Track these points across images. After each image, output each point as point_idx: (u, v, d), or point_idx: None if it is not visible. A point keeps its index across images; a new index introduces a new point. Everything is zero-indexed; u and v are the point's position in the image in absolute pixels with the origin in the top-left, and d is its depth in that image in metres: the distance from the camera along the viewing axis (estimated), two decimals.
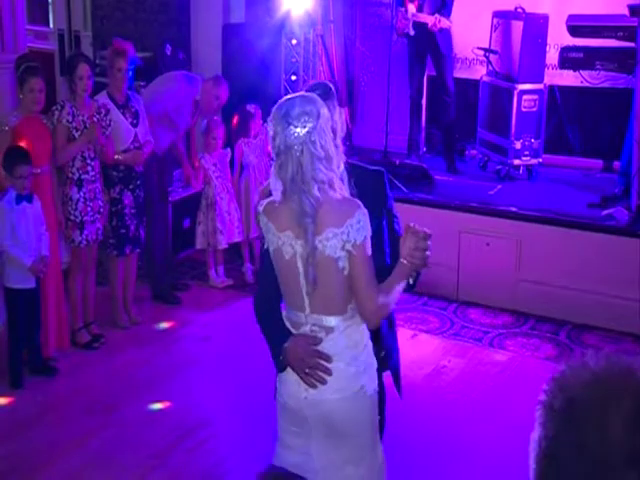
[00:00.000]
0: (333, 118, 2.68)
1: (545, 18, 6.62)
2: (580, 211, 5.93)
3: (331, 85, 3.05)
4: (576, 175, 6.83)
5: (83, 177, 5.06)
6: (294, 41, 6.87)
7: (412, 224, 2.56)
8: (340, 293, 2.53)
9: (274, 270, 2.62)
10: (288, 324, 2.65)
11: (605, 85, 6.66)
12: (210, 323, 5.69)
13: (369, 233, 2.49)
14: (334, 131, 2.70)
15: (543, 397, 1.00)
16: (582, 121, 7.03)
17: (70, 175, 5.06)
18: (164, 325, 5.67)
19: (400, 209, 6.27)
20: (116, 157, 5.26)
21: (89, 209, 5.10)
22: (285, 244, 2.52)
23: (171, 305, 5.93)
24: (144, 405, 4.62)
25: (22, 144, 4.70)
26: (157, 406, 4.60)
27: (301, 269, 2.51)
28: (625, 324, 5.45)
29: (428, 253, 2.55)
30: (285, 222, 2.51)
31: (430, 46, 6.84)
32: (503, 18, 6.87)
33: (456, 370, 5.06)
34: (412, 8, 6.75)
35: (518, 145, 6.63)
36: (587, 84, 6.72)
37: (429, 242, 2.54)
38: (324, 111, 2.50)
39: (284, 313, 2.69)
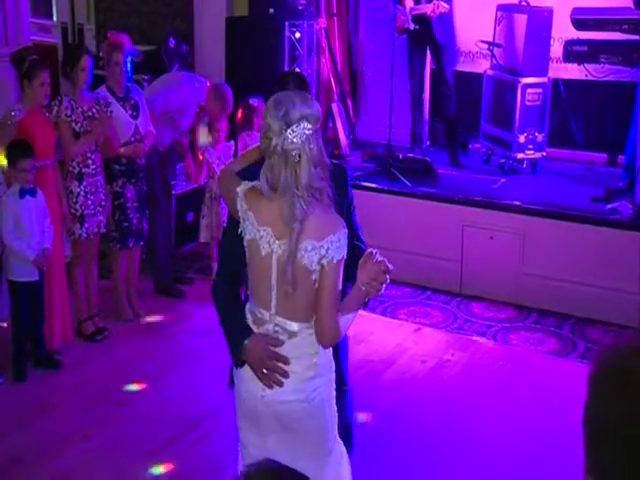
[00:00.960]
0: None
1: (549, 11, 6.59)
2: (584, 205, 5.92)
3: (305, 76, 3.02)
4: (580, 169, 6.81)
5: (84, 171, 5.06)
6: (297, 34, 6.84)
7: (374, 251, 2.52)
8: (308, 302, 2.50)
9: (236, 252, 2.57)
10: (250, 317, 2.62)
11: (609, 78, 6.64)
12: (213, 316, 5.62)
13: (345, 254, 2.47)
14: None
15: (594, 369, 1.05)
16: (586, 115, 7.00)
17: (70, 169, 5.06)
18: (167, 318, 5.66)
19: (403, 203, 6.33)
20: (117, 151, 5.25)
21: (90, 202, 5.10)
22: (263, 239, 2.48)
23: (174, 298, 5.93)
24: (147, 398, 4.62)
25: (27, 137, 4.69)
26: (160, 399, 4.60)
27: (275, 269, 2.48)
28: (629, 318, 5.43)
29: (384, 286, 2.54)
30: (267, 217, 2.47)
31: (429, 38, 6.83)
32: (507, 11, 6.84)
33: (459, 364, 5.06)
34: (409, 3, 6.76)
35: (522, 139, 6.61)
36: (591, 77, 6.70)
37: (387, 277, 2.51)
38: (320, 115, 2.47)
39: (247, 305, 2.66)
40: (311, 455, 2.61)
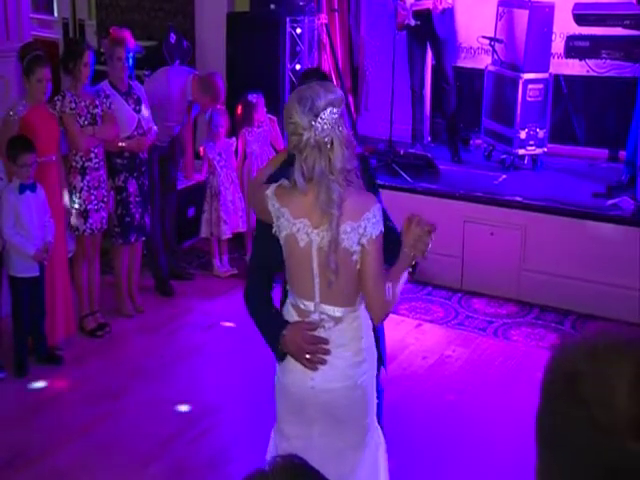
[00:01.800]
0: None
1: (551, 6, 6.56)
2: (585, 201, 5.90)
3: (325, 72, 3.04)
4: (581, 164, 6.79)
5: (86, 165, 5.06)
6: (298, 30, 6.83)
7: (415, 215, 2.56)
8: (351, 286, 2.54)
9: (269, 256, 2.61)
10: (293, 312, 2.63)
11: (611, 74, 6.62)
12: (214, 312, 5.68)
13: (383, 228, 2.50)
14: None
15: (544, 375, 1.00)
16: (588, 110, 6.99)
17: (74, 164, 5.05)
18: (168, 314, 5.66)
19: (405, 198, 6.32)
20: (120, 144, 5.24)
21: (93, 197, 5.09)
22: (300, 231, 2.50)
23: (165, 297, 5.89)
24: (148, 393, 4.62)
25: (29, 134, 4.69)
26: (161, 394, 4.60)
27: (315, 258, 2.50)
28: (630, 314, 5.42)
29: (430, 246, 2.57)
30: (302, 209, 2.50)
31: (429, 33, 6.82)
32: (508, 7, 6.82)
33: (460, 360, 5.05)
34: None
35: (523, 135, 6.59)
36: (593, 73, 6.68)
37: (432, 236, 2.55)
38: (343, 99, 2.50)
39: (288, 301, 2.68)
40: (353, 443, 2.65)
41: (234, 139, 6.30)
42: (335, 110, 2.43)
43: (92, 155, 5.07)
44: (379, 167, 6.65)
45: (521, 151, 6.66)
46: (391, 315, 5.73)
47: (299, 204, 2.50)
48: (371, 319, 2.65)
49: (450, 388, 4.70)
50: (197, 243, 6.65)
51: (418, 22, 6.74)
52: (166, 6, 7.41)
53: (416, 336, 5.37)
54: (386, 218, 2.96)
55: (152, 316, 5.60)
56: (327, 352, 2.56)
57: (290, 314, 2.65)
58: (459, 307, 5.81)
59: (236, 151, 6.33)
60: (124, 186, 5.34)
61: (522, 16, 6.59)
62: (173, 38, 6.49)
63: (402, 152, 6.75)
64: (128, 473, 3.91)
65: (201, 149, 6.27)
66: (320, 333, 2.58)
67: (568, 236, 5.70)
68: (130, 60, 5.33)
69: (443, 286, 6.06)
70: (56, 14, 9.02)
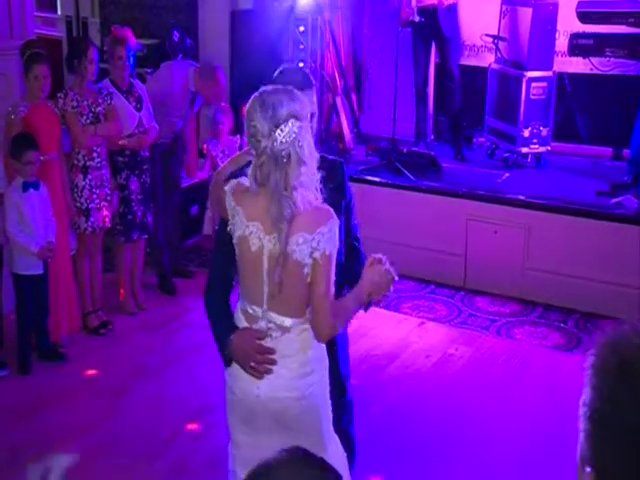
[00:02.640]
0: (312, 109, 2.60)
1: (554, 4, 6.54)
2: (589, 199, 5.88)
3: (308, 71, 2.98)
4: (585, 163, 6.78)
5: (88, 164, 5.06)
6: (302, 28, 6.81)
7: (381, 257, 2.50)
8: (301, 297, 2.46)
9: (227, 254, 2.54)
10: (242, 316, 2.58)
11: (615, 72, 6.60)
12: None
13: (337, 245, 2.43)
14: (311, 124, 2.61)
15: (594, 360, 1.04)
16: (591, 109, 6.97)
17: (75, 162, 5.06)
18: (170, 312, 5.65)
19: (407, 197, 6.31)
20: (121, 142, 5.24)
21: (95, 196, 5.09)
22: (252, 235, 2.43)
23: (167, 295, 5.88)
24: (150, 391, 4.62)
25: (31, 132, 4.69)
26: (163, 393, 4.60)
27: (265, 264, 2.44)
28: (634, 313, 5.40)
29: (388, 294, 2.53)
30: (256, 212, 2.42)
31: (434, 31, 6.79)
32: (512, 4, 6.80)
33: (463, 359, 5.04)
34: None
35: (526, 133, 6.57)
36: (597, 71, 6.66)
37: (391, 286, 2.51)
38: (308, 108, 2.41)
39: (239, 304, 2.62)
40: None
41: (238, 137, 6.28)
42: (297, 123, 2.34)
43: (94, 154, 5.07)
44: (382, 165, 6.65)
45: (524, 149, 6.64)
46: (394, 313, 5.77)
47: (253, 205, 2.44)
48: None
49: (453, 387, 4.69)
50: (200, 241, 6.64)
51: (423, 19, 6.71)
52: (169, 4, 7.40)
53: (419, 334, 5.36)
54: (353, 237, 2.92)
55: (154, 314, 5.60)
56: (273, 362, 2.50)
57: (239, 319, 2.60)
58: (462, 305, 5.80)
59: (240, 149, 6.31)
60: (126, 184, 5.34)
61: (526, 14, 6.57)
62: (176, 36, 6.47)
63: (405, 150, 6.74)
64: (129, 471, 3.90)
65: (204, 147, 6.27)
66: (267, 342, 2.51)
67: (572, 235, 5.68)
68: (131, 59, 5.33)
69: (446, 284, 6.05)
70: (59, 12, 9.01)
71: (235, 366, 2.59)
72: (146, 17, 6.99)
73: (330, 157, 2.93)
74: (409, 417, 4.38)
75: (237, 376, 2.59)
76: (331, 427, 2.69)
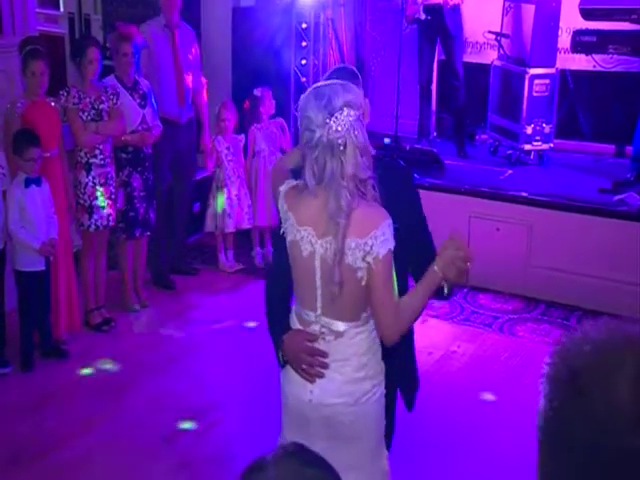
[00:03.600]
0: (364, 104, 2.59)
1: (557, 1, 6.50)
2: (592, 196, 5.87)
3: (356, 70, 2.95)
4: (588, 160, 6.75)
5: (91, 161, 5.05)
6: (304, 25, 6.80)
7: (457, 236, 2.45)
8: (355, 301, 2.41)
9: (286, 251, 2.49)
10: (296, 320, 2.55)
11: (618, 69, 6.58)
12: (219, 307, 5.68)
13: (392, 246, 2.35)
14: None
15: (547, 370, 0.99)
16: (594, 106, 6.95)
17: (79, 159, 5.06)
18: (173, 309, 5.65)
19: None
20: (123, 138, 5.24)
21: (98, 193, 5.08)
22: (304, 240, 2.39)
23: (166, 290, 5.86)
24: (154, 388, 4.62)
25: (31, 129, 4.69)
26: (166, 390, 4.60)
27: (318, 269, 2.39)
28: (636, 310, 5.39)
29: (466, 274, 2.45)
30: (308, 217, 2.39)
31: (440, 29, 6.78)
32: (515, 1, 6.77)
33: (466, 355, 5.03)
34: None
35: (529, 130, 6.56)
36: (600, 68, 6.65)
37: (469, 263, 2.42)
38: (362, 100, 2.39)
39: (294, 307, 2.58)
40: (354, 464, 2.45)
41: (243, 136, 6.27)
42: (352, 112, 2.31)
43: (97, 152, 5.06)
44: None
45: (527, 146, 6.63)
46: None
47: (306, 210, 2.39)
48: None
49: (455, 384, 4.68)
50: (203, 238, 6.64)
51: (429, 17, 6.70)
52: None
53: (421, 332, 5.32)
54: (424, 230, 2.81)
55: (157, 311, 5.60)
56: (325, 366, 2.45)
57: (294, 322, 2.56)
58: (465, 302, 5.79)
59: (245, 149, 6.30)
60: (128, 181, 5.34)
61: (528, 11, 6.55)
62: None
63: (408, 147, 6.72)
64: (132, 468, 3.91)
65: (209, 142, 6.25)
66: (320, 345, 2.47)
67: (574, 232, 5.67)
68: (136, 55, 5.33)
69: None
70: (62, 9, 9.00)
71: (289, 369, 2.56)
72: (149, 14, 6.96)
73: (399, 164, 2.88)
74: (411, 414, 4.37)
75: (290, 379, 2.56)
76: (382, 441, 2.63)
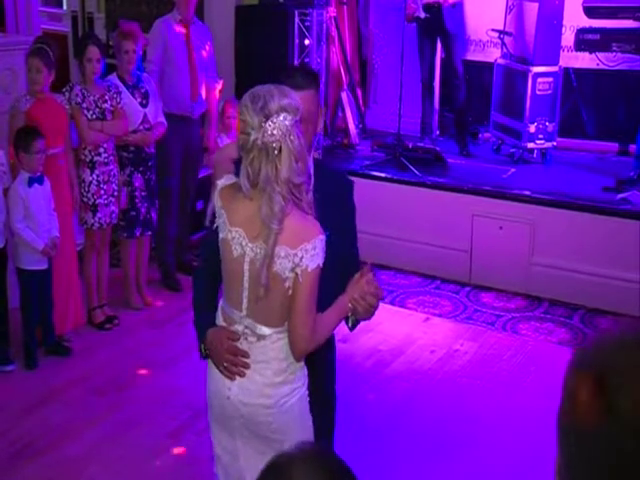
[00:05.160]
0: (317, 109, 2.59)
1: None
2: (595, 195, 5.87)
3: (315, 72, 2.90)
4: (591, 158, 6.76)
5: (95, 159, 5.06)
6: (307, 23, 6.80)
7: (369, 268, 2.45)
8: (280, 308, 2.39)
9: (218, 251, 2.47)
10: (221, 316, 2.54)
11: (621, 67, 6.58)
12: None
13: (321, 262, 2.33)
14: (315, 123, 2.59)
15: (568, 373, 0.98)
16: (597, 104, 6.94)
17: (82, 157, 5.07)
18: (175, 307, 5.65)
19: (413, 192, 6.29)
20: (125, 138, 5.25)
21: (102, 192, 5.10)
22: (235, 241, 2.37)
23: (171, 291, 5.84)
24: (157, 385, 4.63)
25: (35, 125, 4.69)
26: (169, 386, 4.60)
27: (247, 272, 2.37)
28: (638, 308, 5.39)
29: (374, 310, 2.47)
30: (240, 218, 2.37)
31: (439, 27, 6.79)
32: None
33: (469, 354, 5.03)
34: None
35: (532, 128, 6.55)
36: (603, 66, 6.64)
37: (378, 301, 2.45)
38: (300, 107, 2.35)
39: (220, 303, 2.57)
40: None
41: None
42: (288, 117, 2.28)
43: (101, 150, 5.07)
44: (387, 161, 6.64)
45: (530, 145, 6.63)
46: (399, 309, 5.76)
47: (240, 211, 2.37)
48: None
49: (458, 382, 4.69)
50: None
51: (428, 15, 6.71)
52: None
53: (424, 330, 5.35)
54: (351, 243, 2.76)
55: (160, 309, 5.60)
56: (247, 365, 2.45)
57: (219, 317, 2.55)
58: (467, 301, 5.79)
59: None
60: (130, 180, 5.34)
61: (532, 9, 6.54)
62: None
63: (410, 146, 6.72)
64: (137, 464, 3.92)
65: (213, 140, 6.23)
66: (242, 345, 2.46)
67: (577, 230, 5.67)
68: (138, 53, 5.33)
69: (451, 280, 6.05)
70: (65, 7, 9.01)
71: (210, 364, 2.57)
72: (152, 12, 6.98)
73: (338, 171, 2.84)
74: (414, 412, 4.38)
75: (210, 373, 2.58)
76: (309, 438, 2.58)
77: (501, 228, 5.87)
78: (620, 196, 5.79)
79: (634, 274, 5.42)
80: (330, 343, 2.83)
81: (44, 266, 4.70)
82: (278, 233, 2.30)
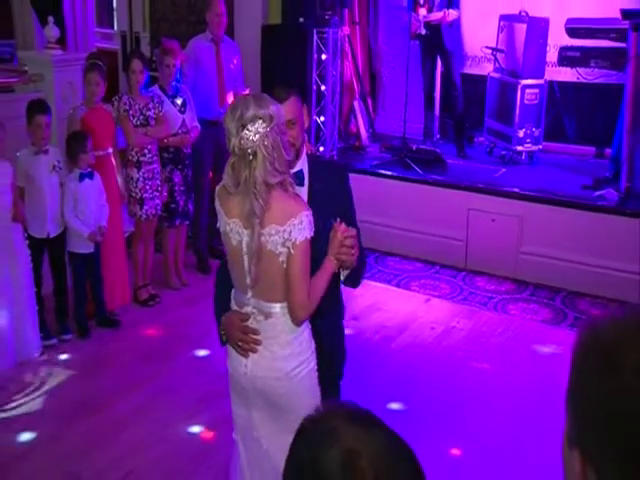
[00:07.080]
0: (301, 110, 2.55)
1: (546, 21, 6.44)
2: (575, 192, 5.79)
3: (291, 83, 2.87)
4: (572, 160, 6.67)
5: (141, 159, 5.08)
6: (324, 40, 6.74)
7: (338, 222, 2.40)
8: (280, 284, 2.35)
9: None
10: (234, 302, 2.52)
11: (599, 81, 6.48)
12: None
13: (309, 235, 2.30)
14: (301, 122, 2.54)
15: (578, 350, 0.91)
16: (578, 113, 6.85)
17: (130, 158, 5.09)
18: (209, 287, 5.63)
19: (416, 189, 6.24)
20: (166, 140, 5.25)
21: (148, 187, 5.12)
22: (233, 230, 2.36)
23: (204, 274, 5.74)
24: (193, 355, 4.62)
25: (88, 131, 4.75)
26: (203, 356, 4.60)
27: (245, 257, 2.35)
28: (612, 291, 5.34)
29: (353, 252, 2.40)
30: (234, 210, 2.35)
31: (438, 44, 6.75)
32: (509, 21, 6.70)
33: (464, 330, 4.99)
34: (423, 11, 6.68)
35: (521, 133, 6.48)
36: (583, 80, 6.54)
37: (353, 241, 2.39)
38: (277, 112, 2.29)
39: (232, 290, 2.55)
40: (292, 431, 2.41)
41: None
42: (262, 124, 2.23)
43: (145, 151, 5.09)
44: (393, 161, 6.59)
45: (519, 148, 6.56)
46: (403, 291, 5.71)
47: (233, 205, 2.36)
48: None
49: (455, 355, 4.65)
50: None
51: (428, 32, 6.65)
52: None
53: (425, 309, 5.32)
54: (352, 224, 2.60)
55: (195, 289, 5.59)
56: (257, 342, 2.43)
57: (232, 304, 2.54)
58: (463, 284, 5.74)
59: None
60: (170, 177, 5.34)
61: (521, 29, 6.47)
62: None
63: (414, 148, 6.67)
64: (175, 422, 3.91)
65: None
66: (252, 324, 2.44)
67: (560, 223, 5.60)
68: (177, 67, 5.31)
69: (449, 266, 6.00)
70: (116, 28, 9.00)
71: (228, 345, 2.55)
72: (189, 31, 6.92)
73: (334, 162, 2.82)
74: (416, 380, 4.35)
75: (230, 354, 2.56)
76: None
77: (493, 221, 5.82)
78: (597, 193, 5.72)
79: (609, 261, 5.36)
80: (339, 327, 2.81)
81: (91, 250, 4.72)
82: (260, 229, 2.29)
